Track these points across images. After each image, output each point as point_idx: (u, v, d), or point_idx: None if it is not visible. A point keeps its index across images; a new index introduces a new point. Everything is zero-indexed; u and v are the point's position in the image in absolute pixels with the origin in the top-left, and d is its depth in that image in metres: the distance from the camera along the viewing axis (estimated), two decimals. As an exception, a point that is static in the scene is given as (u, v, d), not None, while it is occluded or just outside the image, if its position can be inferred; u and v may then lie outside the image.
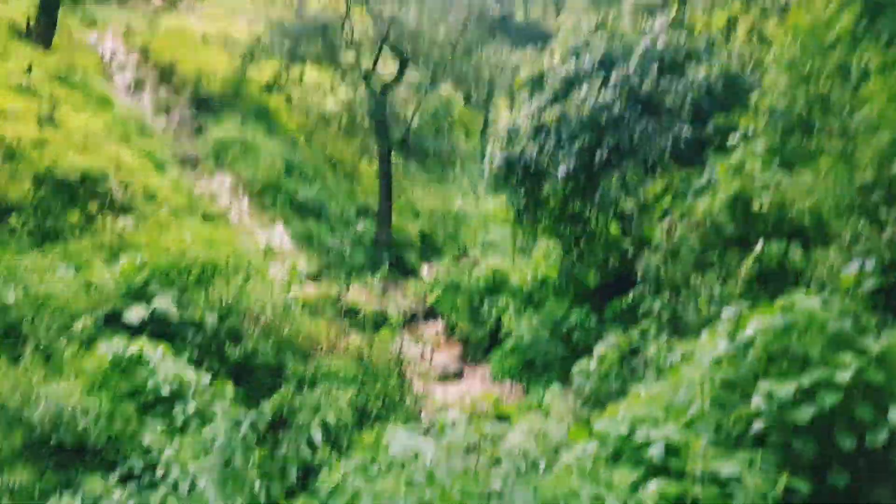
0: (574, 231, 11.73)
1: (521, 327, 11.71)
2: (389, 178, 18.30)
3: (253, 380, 8.97)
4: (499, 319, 12.77)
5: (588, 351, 8.68)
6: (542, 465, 3.97)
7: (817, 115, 7.07)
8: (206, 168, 16.06)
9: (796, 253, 6.73)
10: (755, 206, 7.31)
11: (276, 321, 9.42)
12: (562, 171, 10.80)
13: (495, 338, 12.66)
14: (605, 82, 11.08)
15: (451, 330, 13.75)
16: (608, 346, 7.88)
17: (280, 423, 7.55)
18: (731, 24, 12.72)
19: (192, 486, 6.07)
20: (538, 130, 11.50)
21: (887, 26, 7.88)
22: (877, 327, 4.45)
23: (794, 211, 6.81)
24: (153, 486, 6.34)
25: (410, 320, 13.96)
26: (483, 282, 13.61)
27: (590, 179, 10.77)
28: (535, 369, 11.19)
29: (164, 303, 9.16)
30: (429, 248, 18.17)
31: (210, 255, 10.34)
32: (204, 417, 7.45)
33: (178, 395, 7.65)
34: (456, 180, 21.94)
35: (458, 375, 12.36)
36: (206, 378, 8.07)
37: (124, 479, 6.61)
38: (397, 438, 4.78)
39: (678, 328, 7.41)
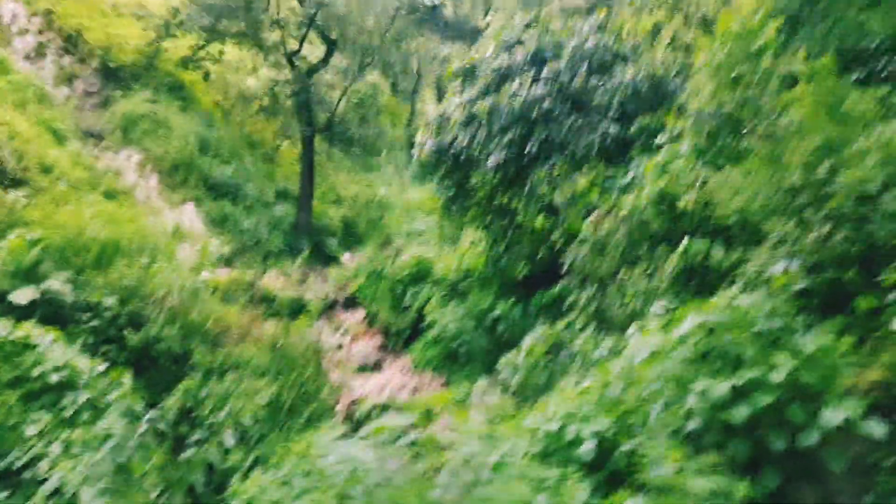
0: (502, 222, 11.56)
1: (445, 317, 11.41)
2: (312, 162, 17.69)
3: (156, 369, 8.33)
4: (422, 309, 12.42)
5: (513, 343, 8.54)
6: (485, 473, 3.65)
7: (745, 117, 7.18)
8: (112, 143, 14.94)
9: (719, 252, 6.81)
10: (681, 204, 7.36)
11: (183, 306, 8.78)
12: (492, 161, 10.68)
13: (417, 328, 12.30)
14: (536, 78, 11.07)
15: (372, 319, 13.31)
16: (536, 338, 7.73)
17: (185, 417, 6.95)
18: (656, 30, 13.04)
19: (76, 495, 5.35)
20: (469, 121, 11.35)
21: (807, 38, 8.20)
22: (804, 328, 4.45)
23: (719, 210, 6.87)
24: (32, 487, 5.63)
25: (330, 308, 13.48)
26: (407, 270, 13.28)
27: (519, 171, 10.68)
28: (457, 360, 10.92)
29: (58, 284, 8.43)
30: (351, 235, 17.70)
31: (112, 234, 9.57)
32: (97, 409, 6.80)
33: (67, 384, 6.96)
34: (381, 168, 21.49)
35: (378, 366, 11.95)
36: (102, 366, 7.39)
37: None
38: (330, 447, 4.27)
39: (604, 321, 7.36)
